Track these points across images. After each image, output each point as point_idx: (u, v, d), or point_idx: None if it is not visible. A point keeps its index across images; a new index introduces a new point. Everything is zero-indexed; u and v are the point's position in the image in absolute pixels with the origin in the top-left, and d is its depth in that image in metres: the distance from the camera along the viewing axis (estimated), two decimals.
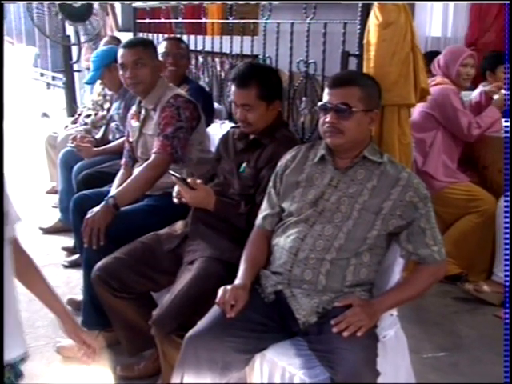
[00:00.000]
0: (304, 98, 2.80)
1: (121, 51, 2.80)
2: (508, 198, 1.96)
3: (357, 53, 2.40)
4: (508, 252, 1.87)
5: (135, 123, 2.96)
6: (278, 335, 1.96)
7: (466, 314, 3.16)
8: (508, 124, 2.03)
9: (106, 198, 2.58)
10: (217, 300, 1.92)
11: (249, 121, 2.38)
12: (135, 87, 2.82)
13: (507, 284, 1.87)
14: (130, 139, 3.01)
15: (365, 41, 2.32)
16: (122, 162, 3.07)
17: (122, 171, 3.02)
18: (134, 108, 3.02)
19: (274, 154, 2.31)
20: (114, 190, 2.84)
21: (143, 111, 2.90)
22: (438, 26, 5.10)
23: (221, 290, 1.94)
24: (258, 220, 2.19)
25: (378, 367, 1.75)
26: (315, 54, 2.71)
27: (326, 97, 2.01)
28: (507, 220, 1.85)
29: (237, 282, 2.00)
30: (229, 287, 1.94)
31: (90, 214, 2.52)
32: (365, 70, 2.30)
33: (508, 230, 1.84)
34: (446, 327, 3.01)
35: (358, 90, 1.98)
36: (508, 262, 1.85)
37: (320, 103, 2.03)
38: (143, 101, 2.88)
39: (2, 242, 1.32)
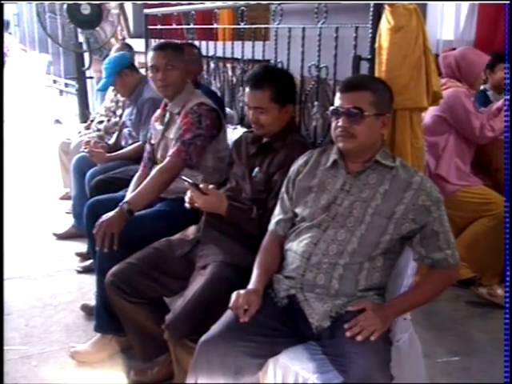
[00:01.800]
0: (316, 103, 2.80)
1: (151, 54, 2.86)
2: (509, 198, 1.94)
3: (368, 57, 2.39)
4: (508, 252, 1.85)
5: (159, 126, 3.01)
6: (290, 340, 1.96)
7: (477, 318, 3.13)
8: (508, 124, 2.01)
9: (120, 204, 2.59)
10: (230, 305, 1.93)
11: (261, 123, 2.39)
12: (165, 90, 2.86)
13: (507, 284, 1.86)
14: (152, 141, 3.06)
15: (376, 45, 2.31)
16: (142, 164, 3.11)
17: (139, 173, 3.05)
18: (158, 111, 3.06)
19: (287, 159, 2.31)
20: (130, 191, 2.89)
21: (168, 115, 2.95)
22: (449, 29, 5.06)
23: (234, 295, 1.94)
24: (271, 225, 2.19)
25: (392, 371, 1.75)
26: (327, 58, 2.71)
27: (337, 101, 2.01)
28: (507, 220, 1.83)
29: (250, 286, 2.00)
30: (242, 292, 1.94)
31: (104, 217, 2.53)
32: (376, 74, 2.30)
33: (508, 230, 1.82)
34: (457, 331, 2.98)
35: (370, 94, 1.97)
36: (508, 262, 1.84)
37: (331, 107, 2.03)
38: (169, 104, 2.92)
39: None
